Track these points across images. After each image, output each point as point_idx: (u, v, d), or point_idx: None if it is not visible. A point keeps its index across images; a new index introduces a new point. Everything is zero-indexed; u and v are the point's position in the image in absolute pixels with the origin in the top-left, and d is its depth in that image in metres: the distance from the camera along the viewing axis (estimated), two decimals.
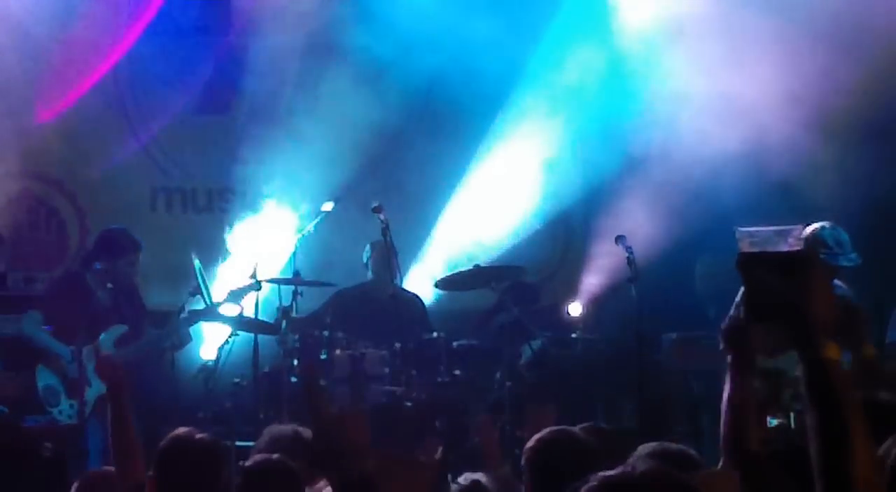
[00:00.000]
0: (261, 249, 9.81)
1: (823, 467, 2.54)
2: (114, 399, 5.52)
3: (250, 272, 8.98)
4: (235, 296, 8.83)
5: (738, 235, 2.74)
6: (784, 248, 2.68)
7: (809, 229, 7.42)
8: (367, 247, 10.02)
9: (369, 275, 10.11)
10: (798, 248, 2.67)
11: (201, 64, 11.19)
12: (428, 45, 10.59)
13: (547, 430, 4.91)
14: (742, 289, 7.25)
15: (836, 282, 7.61)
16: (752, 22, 10.00)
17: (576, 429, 5.06)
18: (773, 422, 6.93)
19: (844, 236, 7.53)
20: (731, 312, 7.72)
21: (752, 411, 3.31)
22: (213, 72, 11.27)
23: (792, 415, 6.79)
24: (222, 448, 5.19)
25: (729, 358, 3.17)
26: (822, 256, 7.29)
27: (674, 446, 4.94)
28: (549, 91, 11.03)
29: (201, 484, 4.95)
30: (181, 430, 5.09)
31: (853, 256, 7.49)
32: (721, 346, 7.86)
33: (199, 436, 5.05)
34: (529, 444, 4.84)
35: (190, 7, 11.22)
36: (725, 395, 3.25)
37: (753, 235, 2.73)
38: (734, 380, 3.18)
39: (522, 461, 4.83)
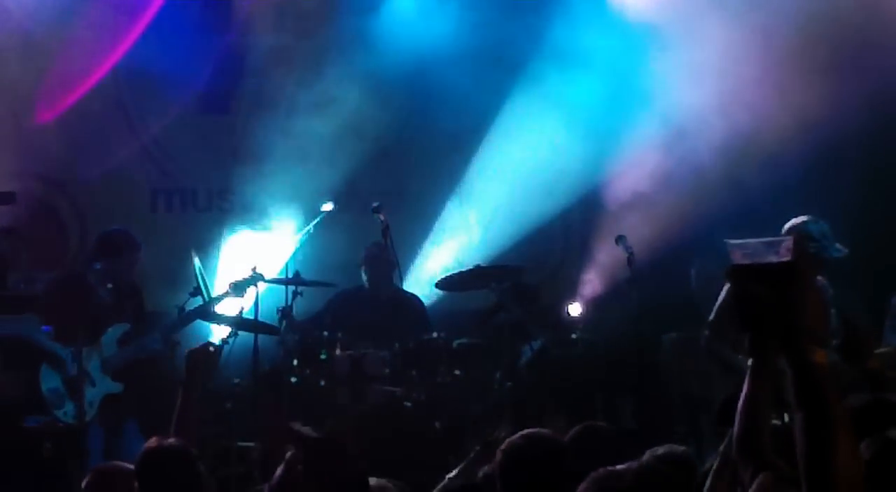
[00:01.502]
0: (261, 247, 9.82)
1: (808, 468, 2.58)
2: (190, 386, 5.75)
3: (251, 266, 8.98)
4: (237, 288, 8.83)
5: (728, 248, 2.80)
6: (773, 259, 2.75)
7: (792, 224, 7.46)
8: (365, 250, 10.04)
9: (364, 279, 10.11)
10: (787, 259, 2.74)
11: (201, 64, 11.18)
12: (429, 47, 10.60)
13: (519, 433, 4.91)
14: (722, 293, 7.25)
15: (819, 279, 7.70)
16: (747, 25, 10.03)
17: (546, 431, 5.06)
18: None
19: (827, 228, 7.56)
20: (712, 315, 7.84)
21: (769, 413, 3.34)
22: (213, 72, 11.26)
23: (786, 416, 6.82)
24: (194, 451, 5.21)
25: (750, 361, 3.18)
26: (812, 249, 7.31)
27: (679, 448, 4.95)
28: (549, 93, 11.02)
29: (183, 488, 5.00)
30: (152, 441, 5.12)
31: (838, 246, 7.53)
32: (706, 344, 7.91)
33: (168, 443, 5.08)
34: (502, 446, 4.83)
35: (190, 7, 11.21)
36: (743, 396, 3.27)
37: (743, 247, 2.79)
38: (754, 382, 3.19)
39: (495, 463, 4.83)
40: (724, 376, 8.09)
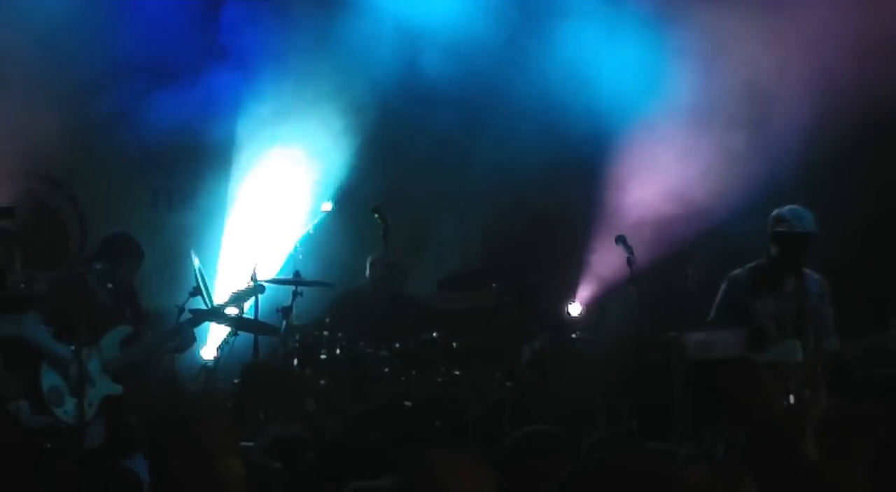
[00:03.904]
0: (261, 248, 9.82)
1: None
2: None
3: (250, 274, 8.98)
4: (238, 299, 8.83)
5: (683, 340, 2.84)
6: (725, 352, 2.78)
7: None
8: (367, 262, 10.04)
9: (370, 288, 10.13)
10: (740, 354, 2.78)
11: (203, 63, 11.19)
12: (427, 50, 10.62)
13: (522, 429, 4.88)
14: (720, 292, 7.32)
15: (814, 274, 7.90)
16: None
17: (550, 427, 5.01)
18: None
19: (802, 211, 7.96)
20: (712, 314, 7.99)
21: None
22: (213, 70, 11.27)
23: (791, 397, 7.44)
24: None
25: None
26: (782, 228, 7.90)
27: None
28: (548, 90, 11.00)
29: None
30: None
31: (810, 224, 7.91)
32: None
33: None
34: (505, 443, 4.82)
35: (191, 6, 11.21)
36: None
37: (699, 340, 2.82)
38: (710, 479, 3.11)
39: (498, 458, 4.81)
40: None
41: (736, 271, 8.18)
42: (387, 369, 9.39)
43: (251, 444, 6.16)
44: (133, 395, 8.56)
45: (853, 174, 10.20)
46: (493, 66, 11.05)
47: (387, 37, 10.78)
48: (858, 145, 10.08)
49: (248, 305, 8.95)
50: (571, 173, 11.15)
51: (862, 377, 8.99)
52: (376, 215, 9.43)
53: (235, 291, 8.92)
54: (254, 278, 8.94)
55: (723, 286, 8.17)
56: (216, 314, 8.80)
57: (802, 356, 7.88)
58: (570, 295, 11.01)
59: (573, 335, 10.37)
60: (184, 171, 11.44)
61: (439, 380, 9.45)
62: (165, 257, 10.16)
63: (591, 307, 10.81)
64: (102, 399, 8.43)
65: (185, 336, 8.77)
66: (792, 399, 7.67)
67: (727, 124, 10.17)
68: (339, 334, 9.48)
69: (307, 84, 10.94)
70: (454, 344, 9.68)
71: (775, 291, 8.03)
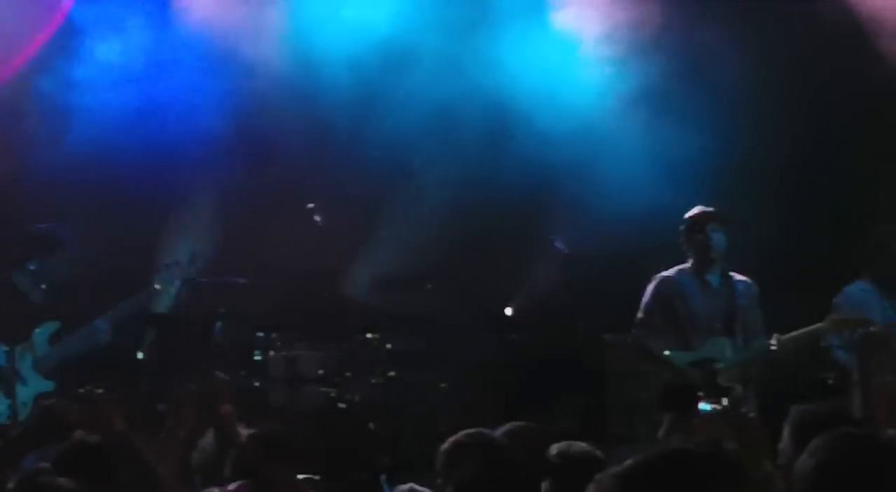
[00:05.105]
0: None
1: None
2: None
3: (188, 260, 8.82)
4: (164, 280, 8.68)
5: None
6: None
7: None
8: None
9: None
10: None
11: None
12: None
13: (462, 433, 4.85)
14: (647, 292, 7.45)
15: (741, 276, 7.96)
16: None
17: (492, 431, 5.00)
18: (707, 407, 7.21)
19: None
20: (640, 314, 8.07)
21: None
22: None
23: (724, 400, 7.48)
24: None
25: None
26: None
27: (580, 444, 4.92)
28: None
29: None
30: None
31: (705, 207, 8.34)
32: (634, 342, 8.23)
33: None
34: (444, 446, 4.80)
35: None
36: None
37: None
38: None
39: (437, 465, 4.78)
40: (657, 372, 8.22)
41: (664, 272, 8.29)
42: (321, 370, 9.37)
43: None
44: (67, 392, 8.44)
45: (792, 169, 10.27)
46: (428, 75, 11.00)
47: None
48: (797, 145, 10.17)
49: (177, 287, 8.81)
50: (513, 176, 11.14)
51: (795, 377, 9.05)
52: (314, 216, 9.41)
53: (166, 272, 8.74)
54: (190, 263, 8.79)
55: (650, 286, 8.30)
56: (146, 308, 8.70)
57: (732, 355, 8.01)
58: (508, 296, 11.01)
59: (511, 337, 10.38)
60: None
61: (374, 382, 9.45)
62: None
63: (528, 309, 10.81)
64: (36, 397, 8.33)
65: (101, 333, 8.58)
66: (725, 401, 7.75)
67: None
68: (274, 335, 9.45)
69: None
70: (389, 346, 9.68)
71: (703, 291, 8.16)
